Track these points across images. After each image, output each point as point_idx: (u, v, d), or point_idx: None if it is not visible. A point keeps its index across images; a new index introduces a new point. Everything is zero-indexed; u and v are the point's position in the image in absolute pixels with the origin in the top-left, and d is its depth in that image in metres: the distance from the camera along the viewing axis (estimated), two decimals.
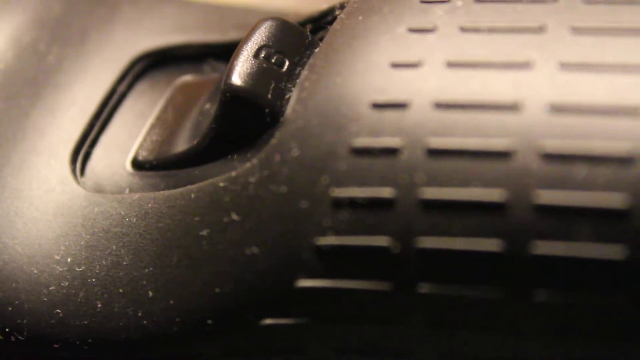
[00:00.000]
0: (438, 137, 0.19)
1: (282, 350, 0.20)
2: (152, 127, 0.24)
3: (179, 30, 0.26)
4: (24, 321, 0.21)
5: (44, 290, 0.21)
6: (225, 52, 0.24)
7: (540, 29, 0.19)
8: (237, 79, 0.21)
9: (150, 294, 0.21)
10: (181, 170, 0.22)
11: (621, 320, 0.18)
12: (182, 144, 0.23)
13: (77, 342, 0.21)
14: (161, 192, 0.22)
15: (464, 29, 0.20)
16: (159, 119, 0.24)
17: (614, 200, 0.18)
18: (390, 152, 0.19)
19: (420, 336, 0.19)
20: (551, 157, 0.18)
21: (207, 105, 0.23)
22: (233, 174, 0.21)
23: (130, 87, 0.25)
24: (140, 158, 0.23)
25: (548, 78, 0.19)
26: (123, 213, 0.22)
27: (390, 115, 0.19)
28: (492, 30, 0.19)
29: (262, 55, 0.21)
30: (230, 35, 0.25)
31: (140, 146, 0.24)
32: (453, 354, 0.19)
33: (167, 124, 0.24)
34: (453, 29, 0.20)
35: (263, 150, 0.20)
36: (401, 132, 0.19)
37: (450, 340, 0.19)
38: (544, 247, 0.18)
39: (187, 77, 0.25)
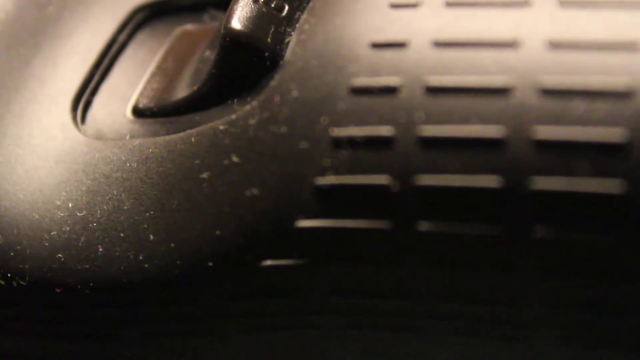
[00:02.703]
0: (437, 75, 0.19)
1: (283, 292, 0.20)
2: (153, 75, 0.24)
3: None
4: (26, 266, 0.21)
5: (46, 236, 0.21)
6: (225, 1, 0.24)
7: None
8: (236, 23, 0.21)
9: (151, 237, 0.21)
10: (182, 117, 0.22)
11: (618, 256, 0.18)
12: (182, 91, 0.23)
13: (79, 287, 0.21)
14: (161, 137, 0.22)
15: None
16: (159, 67, 0.24)
17: (612, 134, 0.18)
18: (390, 91, 0.19)
19: (419, 276, 0.19)
20: (550, 93, 0.18)
21: (207, 53, 0.23)
22: (233, 116, 0.21)
23: (130, 37, 0.25)
24: (140, 105, 0.23)
25: (546, 15, 0.19)
26: (124, 158, 0.22)
27: (389, 54, 0.19)
28: None
29: (262, 0, 0.21)
30: None
31: (141, 94, 0.24)
32: (451, 293, 0.19)
33: (168, 72, 0.24)
34: None
35: (263, 93, 0.20)
36: (400, 71, 0.19)
37: (448, 280, 0.19)
38: (542, 183, 0.18)
39: (187, 26, 0.25)
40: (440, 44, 0.19)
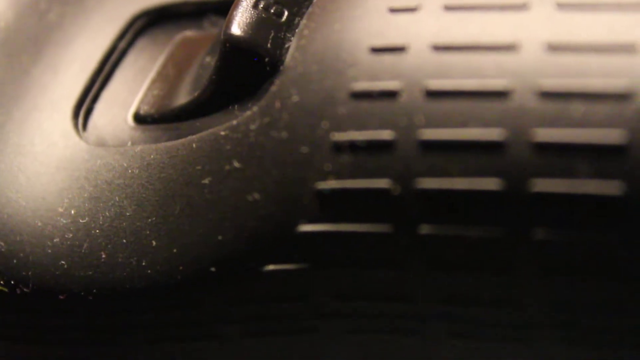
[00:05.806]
0: (436, 79, 0.19)
1: (285, 297, 0.20)
2: (154, 81, 0.24)
3: None
4: (29, 273, 0.21)
5: (49, 242, 0.22)
6: (225, 8, 0.24)
7: None
8: (236, 29, 0.21)
9: (154, 243, 0.21)
10: (183, 123, 0.22)
11: (618, 257, 0.18)
12: (183, 97, 0.23)
13: (82, 293, 0.21)
14: (163, 143, 0.22)
15: None
16: (160, 73, 0.24)
17: (611, 136, 0.18)
18: (389, 95, 0.19)
19: (421, 279, 0.19)
20: (549, 96, 0.18)
21: (208, 59, 0.23)
22: (234, 122, 0.21)
23: (131, 44, 0.25)
24: (142, 112, 0.23)
25: (545, 18, 0.19)
26: (125, 165, 0.22)
27: (388, 59, 0.19)
28: None
29: (261, 6, 0.21)
30: None
31: (142, 100, 0.24)
32: (452, 296, 0.19)
33: (168, 79, 0.24)
34: None
35: (263, 98, 0.20)
36: (400, 75, 0.19)
37: (449, 282, 0.19)
38: (542, 185, 0.18)
39: (188, 33, 0.25)
40: (439, 48, 0.19)
